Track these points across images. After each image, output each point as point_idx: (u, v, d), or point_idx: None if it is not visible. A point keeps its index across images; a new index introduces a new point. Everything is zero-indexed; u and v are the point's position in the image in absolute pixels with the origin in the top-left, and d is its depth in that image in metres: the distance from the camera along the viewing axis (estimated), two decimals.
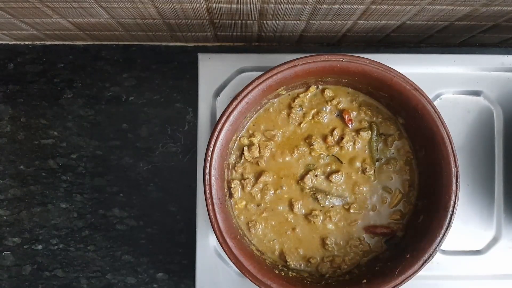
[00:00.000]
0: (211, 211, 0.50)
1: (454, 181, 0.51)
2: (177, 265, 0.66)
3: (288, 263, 0.55)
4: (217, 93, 0.60)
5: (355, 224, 0.56)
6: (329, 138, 0.56)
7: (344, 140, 0.56)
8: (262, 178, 0.55)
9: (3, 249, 0.67)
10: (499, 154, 0.61)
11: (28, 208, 0.67)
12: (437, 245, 0.50)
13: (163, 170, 0.67)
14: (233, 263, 0.51)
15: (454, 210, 0.50)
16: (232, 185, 0.55)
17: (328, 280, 0.54)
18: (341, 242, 0.56)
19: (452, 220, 0.50)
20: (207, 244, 0.59)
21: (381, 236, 0.56)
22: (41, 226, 0.67)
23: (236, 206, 0.56)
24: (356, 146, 0.57)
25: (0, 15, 0.55)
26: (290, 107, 0.57)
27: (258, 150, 0.56)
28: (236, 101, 0.51)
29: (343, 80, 0.55)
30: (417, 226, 0.54)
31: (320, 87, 0.57)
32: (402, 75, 0.52)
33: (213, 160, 0.50)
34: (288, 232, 0.56)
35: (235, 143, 0.56)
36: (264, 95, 0.53)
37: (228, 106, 0.51)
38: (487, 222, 0.61)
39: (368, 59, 0.51)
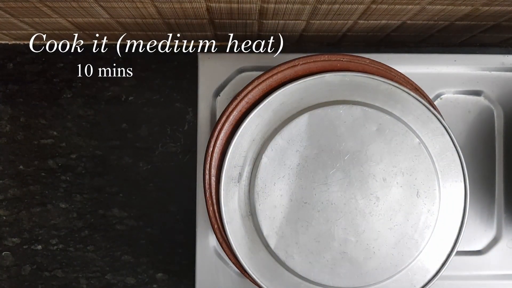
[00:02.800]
0: (211, 211, 0.50)
1: None
2: (177, 265, 0.66)
3: None
4: (217, 93, 0.60)
5: None
6: None
7: None
8: None
9: (3, 249, 0.66)
10: (500, 154, 0.61)
11: (28, 208, 0.66)
12: None
13: (163, 170, 0.67)
14: (233, 263, 0.51)
15: None
16: None
17: None
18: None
19: None
20: (207, 244, 0.59)
21: None
22: (40, 226, 0.66)
23: None
24: None
25: (0, 15, 0.55)
26: None
27: None
28: (236, 101, 0.50)
29: None
30: None
31: None
32: (403, 74, 0.52)
33: (213, 160, 0.50)
34: None
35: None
36: (264, 95, 0.53)
37: (228, 106, 0.50)
38: (488, 222, 0.61)
39: (369, 58, 0.51)
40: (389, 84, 0.49)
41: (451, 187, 0.50)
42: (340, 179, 0.48)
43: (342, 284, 0.49)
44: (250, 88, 0.51)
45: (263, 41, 0.67)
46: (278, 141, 0.49)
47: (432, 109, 0.49)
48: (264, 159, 0.48)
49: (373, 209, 0.48)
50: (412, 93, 0.49)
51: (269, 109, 0.49)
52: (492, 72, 0.62)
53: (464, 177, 0.50)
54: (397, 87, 0.49)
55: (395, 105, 0.49)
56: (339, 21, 0.57)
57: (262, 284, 0.49)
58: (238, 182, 0.49)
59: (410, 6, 0.51)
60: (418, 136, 0.49)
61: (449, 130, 0.49)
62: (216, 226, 0.50)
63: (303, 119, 0.49)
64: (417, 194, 0.49)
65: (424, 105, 0.49)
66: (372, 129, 0.49)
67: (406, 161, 0.49)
